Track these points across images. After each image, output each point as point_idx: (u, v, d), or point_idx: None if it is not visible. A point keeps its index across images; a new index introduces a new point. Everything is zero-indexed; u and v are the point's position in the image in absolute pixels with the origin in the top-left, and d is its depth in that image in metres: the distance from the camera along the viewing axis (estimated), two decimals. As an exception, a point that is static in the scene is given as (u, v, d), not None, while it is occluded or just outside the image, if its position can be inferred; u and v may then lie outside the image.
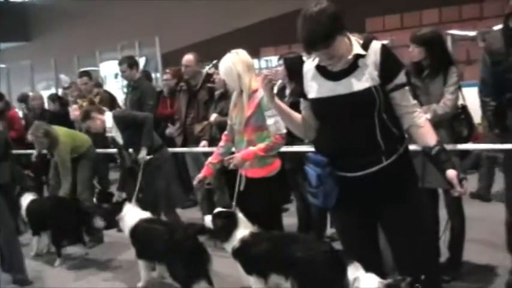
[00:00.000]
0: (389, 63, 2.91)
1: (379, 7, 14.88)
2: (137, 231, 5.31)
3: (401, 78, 2.93)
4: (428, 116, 3.94)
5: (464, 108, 4.58)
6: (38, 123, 7.03)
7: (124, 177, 6.33)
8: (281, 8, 16.78)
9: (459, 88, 4.48)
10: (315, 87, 3.04)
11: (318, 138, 3.14)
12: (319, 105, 3.04)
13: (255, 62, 15.59)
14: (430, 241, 3.31)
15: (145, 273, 5.39)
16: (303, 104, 3.19)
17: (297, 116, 3.25)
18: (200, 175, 4.65)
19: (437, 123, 4.29)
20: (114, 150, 7.57)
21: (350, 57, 2.90)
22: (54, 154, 6.83)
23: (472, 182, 6.67)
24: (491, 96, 4.24)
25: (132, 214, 5.43)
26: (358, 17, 13.61)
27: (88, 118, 6.16)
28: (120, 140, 6.16)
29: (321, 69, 3.01)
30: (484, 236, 5.53)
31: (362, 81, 2.88)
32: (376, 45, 2.94)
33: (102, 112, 6.21)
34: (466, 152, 4.61)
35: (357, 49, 2.91)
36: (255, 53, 14.92)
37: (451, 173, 2.87)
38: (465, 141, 4.51)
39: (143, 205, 5.68)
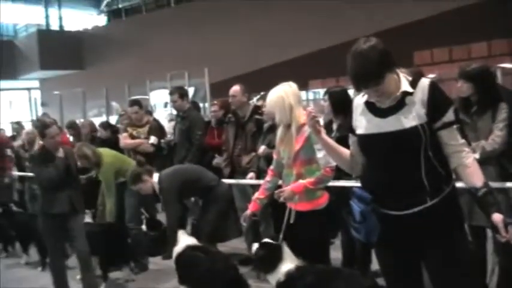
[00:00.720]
0: (436, 101, 2.89)
1: (427, 40, 14.81)
2: (182, 257, 5.40)
3: (449, 116, 2.90)
4: (477, 155, 3.90)
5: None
6: (80, 144, 7.24)
7: None
8: (329, 40, 16.92)
9: (509, 124, 4.42)
10: (363, 123, 3.07)
11: (364, 174, 3.16)
12: (366, 142, 3.06)
13: (303, 94, 15.71)
14: (474, 284, 3.24)
15: None
16: (351, 139, 3.22)
17: (344, 150, 3.27)
18: (248, 212, 4.69)
19: (485, 159, 4.27)
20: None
21: (398, 94, 2.92)
22: (99, 175, 7.01)
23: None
24: None
25: (181, 240, 5.52)
26: (406, 50, 13.58)
27: (139, 181, 6.23)
28: None
29: (369, 105, 3.03)
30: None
31: (409, 119, 2.88)
32: (424, 83, 2.94)
33: (151, 174, 6.30)
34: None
35: (405, 86, 2.92)
36: (303, 85, 15.02)
37: (497, 217, 2.82)
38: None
39: (196, 234, 5.80)
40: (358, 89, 2.93)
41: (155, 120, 9.32)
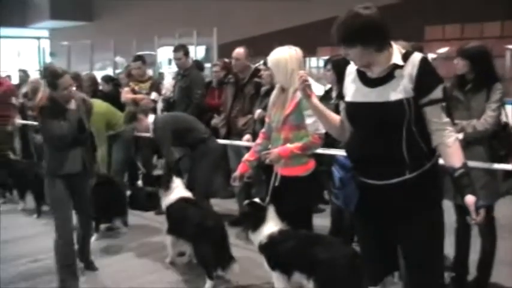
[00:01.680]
0: (425, 77, 2.88)
1: (440, 16, 14.64)
2: (173, 207, 5.51)
3: (436, 93, 2.88)
4: (460, 136, 3.89)
5: (505, 126, 4.51)
6: None
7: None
8: (340, 8, 16.67)
9: (502, 105, 4.41)
10: (351, 90, 3.08)
11: (349, 142, 3.18)
12: (352, 109, 3.07)
13: (313, 60, 15.59)
14: (441, 264, 3.27)
15: (172, 249, 5.66)
16: (341, 105, 3.23)
17: (334, 117, 3.28)
18: (237, 173, 4.70)
19: (476, 139, 4.27)
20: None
21: (388, 66, 2.92)
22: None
23: None
24: None
25: (176, 191, 5.61)
26: (418, 25, 13.45)
27: (134, 119, 6.37)
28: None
29: (361, 74, 3.04)
30: (505, 256, 5.32)
31: (395, 92, 2.88)
32: (416, 57, 2.92)
33: (147, 114, 6.38)
34: (509, 173, 4.51)
35: (396, 59, 2.91)
36: (312, 52, 14.92)
37: (469, 199, 2.82)
38: (503, 161, 4.41)
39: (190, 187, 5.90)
40: (336, 44, 2.94)
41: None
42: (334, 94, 5.54)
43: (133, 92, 8.38)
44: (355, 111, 3.05)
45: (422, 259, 3.01)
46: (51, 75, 4.95)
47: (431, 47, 13.22)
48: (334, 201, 3.20)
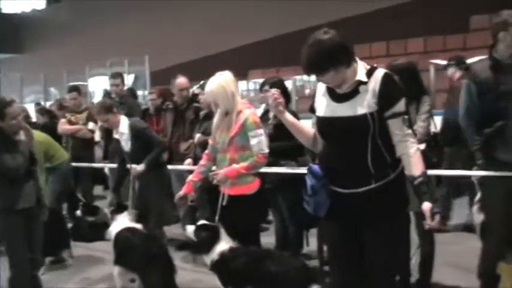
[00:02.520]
0: (387, 92, 3.07)
1: (366, 35, 15.15)
2: (119, 237, 5.49)
3: (399, 107, 3.08)
4: (422, 146, 4.12)
5: (435, 135, 4.81)
6: None
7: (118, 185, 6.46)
8: (269, 31, 17.11)
9: (431, 116, 4.71)
10: (321, 105, 3.26)
11: (321, 152, 3.35)
12: (322, 123, 3.26)
13: (244, 84, 15.85)
14: (401, 271, 3.46)
15: (119, 280, 5.55)
16: (313, 119, 3.39)
17: (307, 130, 3.44)
18: (181, 192, 4.78)
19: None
20: (99, 165, 7.79)
21: (353, 82, 3.10)
22: None
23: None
24: (474, 128, 4.43)
25: (120, 222, 5.61)
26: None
27: (110, 112, 6.14)
28: (126, 146, 6.24)
29: (329, 89, 3.21)
30: (454, 259, 5.71)
31: (359, 107, 3.07)
32: (379, 73, 3.11)
33: (120, 112, 6.33)
34: (441, 180, 4.80)
35: (361, 75, 3.09)
36: (243, 75, 15.15)
37: (426, 206, 3.05)
38: (435, 168, 4.70)
39: (136, 216, 5.88)
40: (308, 75, 3.12)
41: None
42: (271, 115, 5.73)
43: (70, 123, 8.35)
44: (325, 125, 3.23)
45: (384, 263, 3.19)
46: None
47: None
48: (305, 207, 3.33)
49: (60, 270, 6.71)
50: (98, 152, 9.45)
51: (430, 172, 4.58)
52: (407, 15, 15.05)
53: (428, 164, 4.63)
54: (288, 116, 3.41)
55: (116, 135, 6.30)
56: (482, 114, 4.38)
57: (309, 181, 3.24)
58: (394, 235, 3.21)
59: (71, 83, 14.70)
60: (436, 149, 4.78)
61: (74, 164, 7.67)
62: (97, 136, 9.14)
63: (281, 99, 3.35)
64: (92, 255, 7.20)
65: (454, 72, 7.09)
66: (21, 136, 4.88)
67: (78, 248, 7.31)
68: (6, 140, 4.73)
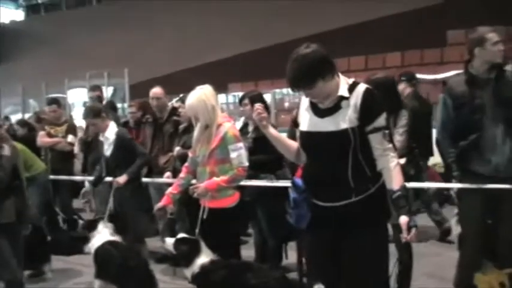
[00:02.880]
0: (368, 107, 3.12)
1: (345, 49, 15.30)
2: (99, 252, 5.45)
3: (380, 122, 3.14)
4: (402, 161, 4.18)
5: (412, 149, 4.89)
6: None
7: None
8: (249, 44, 17.22)
9: (408, 130, 4.79)
10: (304, 120, 3.30)
11: (304, 166, 3.39)
12: (304, 138, 3.30)
13: (223, 97, 15.93)
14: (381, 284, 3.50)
15: None
16: (297, 132, 3.43)
17: (291, 143, 3.48)
18: (160, 204, 4.80)
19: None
20: (78, 178, 7.76)
21: (335, 97, 3.15)
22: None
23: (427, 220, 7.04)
24: (450, 140, 4.53)
25: (101, 235, 5.57)
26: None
27: (99, 116, 6.16)
28: (107, 152, 6.26)
29: (312, 104, 3.26)
30: (432, 269, 5.76)
31: (341, 122, 3.12)
32: (360, 89, 3.16)
33: (109, 119, 6.34)
34: (418, 192, 4.88)
35: (342, 91, 3.14)
36: (222, 88, 15.21)
37: (403, 219, 3.11)
38: (413, 180, 4.78)
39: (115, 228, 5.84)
40: (292, 90, 3.17)
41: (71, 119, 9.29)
42: (250, 128, 5.77)
43: (49, 135, 8.32)
44: (307, 139, 3.28)
45: (363, 275, 3.21)
46: None
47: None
48: (288, 219, 3.37)
49: (40, 283, 6.65)
50: (77, 164, 9.43)
51: (408, 185, 4.70)
52: (385, 29, 15.25)
53: (406, 176, 4.74)
54: (272, 130, 3.45)
55: (101, 138, 6.33)
56: (457, 127, 4.48)
57: (292, 194, 3.30)
58: (373, 248, 3.23)
59: (50, 95, 14.70)
60: (413, 162, 4.86)
61: (52, 176, 7.66)
62: (76, 149, 9.11)
63: (265, 114, 3.40)
64: (71, 268, 7.14)
65: (405, 88, 7.16)
66: (6, 151, 4.80)
67: (58, 262, 7.25)
68: None
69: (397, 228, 3.24)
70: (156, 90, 6.95)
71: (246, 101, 5.81)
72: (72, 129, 8.59)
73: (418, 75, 12.51)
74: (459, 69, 4.84)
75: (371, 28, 15.69)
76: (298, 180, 3.32)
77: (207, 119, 4.56)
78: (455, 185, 4.70)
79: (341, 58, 15.52)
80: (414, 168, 4.85)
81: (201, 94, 4.55)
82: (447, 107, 4.53)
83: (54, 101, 8.71)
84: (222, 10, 18.46)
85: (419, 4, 15.23)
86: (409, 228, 3.10)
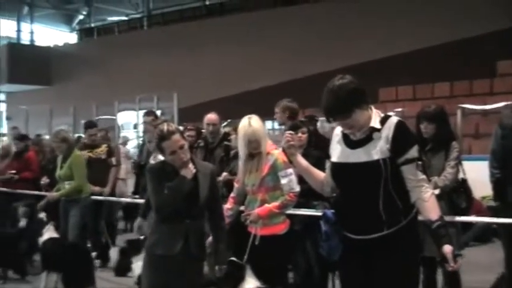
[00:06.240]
0: (400, 139, 3.15)
1: (393, 78, 15.26)
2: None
3: (412, 153, 3.16)
4: (436, 191, 4.16)
5: (463, 181, 4.85)
6: (58, 130, 7.31)
7: None
8: (295, 73, 17.30)
9: (460, 162, 4.76)
10: (336, 151, 3.35)
11: (335, 199, 3.44)
12: (336, 169, 3.34)
13: (269, 123, 15.98)
14: None
15: None
16: (327, 163, 3.50)
17: (318, 172, 3.54)
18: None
19: (436, 195, 4.57)
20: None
21: (367, 128, 3.19)
22: (67, 161, 7.05)
23: (476, 254, 6.89)
24: (498, 168, 4.53)
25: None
26: (371, 87, 13.94)
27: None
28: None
29: (345, 136, 3.31)
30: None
31: (372, 153, 3.15)
32: (392, 121, 3.21)
33: None
34: (467, 225, 4.83)
35: (374, 122, 3.19)
36: (269, 115, 15.26)
37: (447, 248, 3.08)
38: (464, 213, 4.74)
39: None
40: (328, 120, 3.21)
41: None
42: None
43: (90, 159, 8.13)
44: (339, 171, 3.32)
45: None
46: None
47: (385, 108, 13.78)
48: (321, 251, 3.41)
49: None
50: (123, 187, 9.64)
51: (459, 218, 4.67)
52: (433, 59, 15.13)
53: (457, 209, 4.71)
54: (299, 159, 3.53)
55: (152, 160, 6.42)
56: (502, 157, 4.47)
57: (323, 226, 3.34)
58: (406, 280, 3.21)
59: (100, 117, 15.08)
60: (464, 195, 4.81)
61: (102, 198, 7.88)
62: (123, 172, 9.27)
63: (293, 142, 3.48)
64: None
65: None
66: None
67: (102, 281, 7.32)
68: None
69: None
70: (212, 117, 7.03)
71: (304, 128, 5.81)
72: (113, 150, 8.73)
73: (467, 106, 12.51)
74: (509, 100, 4.85)
75: (419, 57, 15.57)
76: (329, 212, 3.36)
77: (263, 146, 4.64)
78: (505, 220, 4.63)
79: (389, 87, 15.53)
80: (466, 202, 4.80)
81: (259, 123, 4.65)
82: (497, 136, 4.56)
83: (92, 124, 8.83)
84: (271, 39, 18.64)
85: (468, 33, 15.08)
86: (454, 257, 3.07)
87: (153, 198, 3.94)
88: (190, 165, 3.93)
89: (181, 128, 7.20)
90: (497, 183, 4.64)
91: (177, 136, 3.85)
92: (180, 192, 3.85)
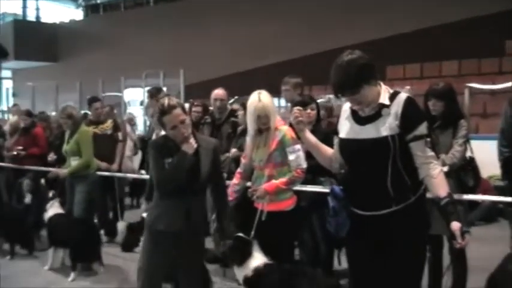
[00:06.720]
0: (409, 115, 3.14)
1: (400, 56, 15.17)
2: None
3: (421, 130, 3.14)
4: (445, 168, 4.16)
5: (471, 160, 4.84)
6: (65, 106, 7.32)
7: None
8: (304, 49, 17.22)
9: (467, 141, 4.75)
10: (345, 127, 3.35)
11: (344, 175, 3.43)
12: (344, 145, 3.34)
13: (276, 100, 15.94)
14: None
15: None
16: (335, 140, 3.48)
17: (326, 149, 3.54)
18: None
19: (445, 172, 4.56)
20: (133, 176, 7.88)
21: (375, 105, 3.18)
22: (73, 136, 7.09)
23: (482, 232, 6.89)
24: (507, 147, 4.51)
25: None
26: (379, 65, 13.86)
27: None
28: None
29: (353, 112, 3.31)
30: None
31: (381, 130, 3.14)
32: (401, 97, 3.20)
33: None
34: (474, 203, 4.82)
35: (383, 99, 3.18)
36: (276, 92, 15.20)
37: (455, 225, 3.07)
38: (471, 191, 4.74)
39: None
40: (337, 96, 3.20)
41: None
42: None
43: (95, 135, 7.99)
44: (347, 147, 3.31)
45: (402, 283, 3.22)
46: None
47: (392, 86, 13.69)
48: (328, 227, 3.41)
49: (90, 277, 6.76)
50: (129, 163, 9.66)
51: (466, 196, 4.66)
52: (441, 38, 15.03)
53: (465, 188, 4.70)
54: (308, 135, 3.53)
55: (154, 136, 6.47)
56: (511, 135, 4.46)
57: (331, 202, 3.32)
58: (413, 257, 3.24)
59: (107, 93, 15.06)
60: (472, 173, 4.80)
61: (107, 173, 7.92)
62: (128, 149, 9.27)
63: (301, 118, 3.47)
64: (121, 265, 7.23)
65: None
66: None
67: (108, 256, 7.35)
68: None
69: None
70: (219, 92, 7.02)
71: (313, 105, 5.79)
72: (119, 126, 8.75)
73: (475, 85, 12.44)
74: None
75: (427, 36, 15.47)
76: (337, 188, 3.34)
77: (273, 121, 4.62)
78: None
79: (396, 66, 15.44)
80: (473, 180, 4.79)
81: (269, 99, 4.63)
82: (506, 114, 4.54)
83: (95, 99, 8.82)
84: (279, 15, 18.52)
85: (477, 13, 14.95)
86: (462, 234, 3.07)
87: (154, 174, 3.94)
88: (192, 140, 3.90)
89: (186, 104, 7.26)
90: (505, 162, 4.61)
91: (178, 110, 3.83)
92: (181, 168, 3.84)
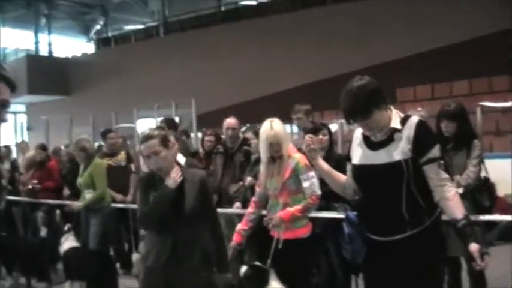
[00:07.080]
0: (422, 138, 3.14)
1: (410, 77, 15.15)
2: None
3: (434, 152, 3.14)
4: (460, 190, 4.13)
5: (486, 180, 4.81)
6: (78, 139, 7.36)
7: None
8: (312, 76, 17.26)
9: (482, 161, 4.72)
10: (357, 153, 3.35)
11: (358, 201, 3.42)
12: (357, 171, 3.34)
13: (287, 127, 15.92)
14: None
15: None
16: (347, 166, 3.48)
17: (339, 176, 3.54)
18: (232, 243, 4.85)
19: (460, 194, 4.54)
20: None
21: (387, 129, 3.19)
22: (87, 169, 7.09)
23: (500, 252, 6.78)
24: None
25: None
26: (389, 87, 13.90)
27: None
28: None
29: (365, 138, 3.31)
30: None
31: (394, 154, 3.14)
32: (413, 120, 3.20)
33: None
34: (492, 223, 4.78)
35: (394, 123, 3.19)
36: (287, 119, 15.21)
37: (474, 247, 3.04)
38: (487, 212, 4.70)
39: None
40: (348, 122, 3.22)
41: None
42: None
43: (110, 167, 8.00)
44: (360, 173, 3.31)
45: None
46: None
47: (403, 108, 13.70)
48: (344, 254, 3.42)
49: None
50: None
51: (483, 217, 4.62)
52: (451, 57, 15.01)
53: (481, 208, 4.67)
54: (321, 162, 3.54)
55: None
56: None
57: (346, 229, 3.32)
58: (430, 281, 3.20)
59: (120, 125, 15.13)
60: (487, 193, 4.77)
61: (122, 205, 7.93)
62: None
63: (314, 146, 3.49)
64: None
65: None
66: None
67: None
68: None
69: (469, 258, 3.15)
70: (231, 121, 7.05)
71: (325, 130, 5.80)
72: (132, 157, 8.79)
73: (487, 104, 12.38)
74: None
75: (437, 56, 15.46)
76: (352, 214, 3.35)
77: (285, 149, 4.64)
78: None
79: (407, 87, 15.40)
80: (489, 200, 4.76)
81: (281, 127, 4.67)
82: None
83: (109, 131, 8.87)
84: (288, 43, 18.61)
85: (486, 30, 14.93)
86: (481, 255, 3.04)
87: (138, 208, 3.90)
88: (175, 174, 3.81)
89: (199, 134, 7.27)
90: None
91: (153, 142, 3.77)
92: (162, 202, 3.76)
